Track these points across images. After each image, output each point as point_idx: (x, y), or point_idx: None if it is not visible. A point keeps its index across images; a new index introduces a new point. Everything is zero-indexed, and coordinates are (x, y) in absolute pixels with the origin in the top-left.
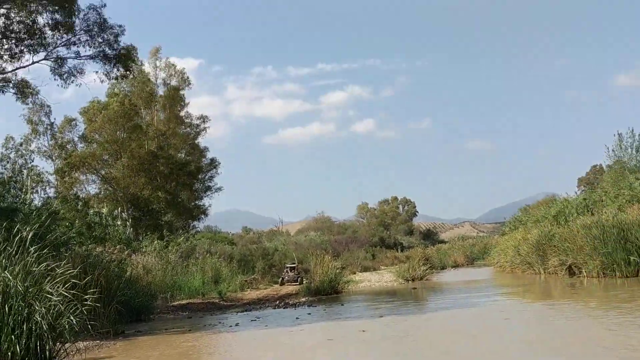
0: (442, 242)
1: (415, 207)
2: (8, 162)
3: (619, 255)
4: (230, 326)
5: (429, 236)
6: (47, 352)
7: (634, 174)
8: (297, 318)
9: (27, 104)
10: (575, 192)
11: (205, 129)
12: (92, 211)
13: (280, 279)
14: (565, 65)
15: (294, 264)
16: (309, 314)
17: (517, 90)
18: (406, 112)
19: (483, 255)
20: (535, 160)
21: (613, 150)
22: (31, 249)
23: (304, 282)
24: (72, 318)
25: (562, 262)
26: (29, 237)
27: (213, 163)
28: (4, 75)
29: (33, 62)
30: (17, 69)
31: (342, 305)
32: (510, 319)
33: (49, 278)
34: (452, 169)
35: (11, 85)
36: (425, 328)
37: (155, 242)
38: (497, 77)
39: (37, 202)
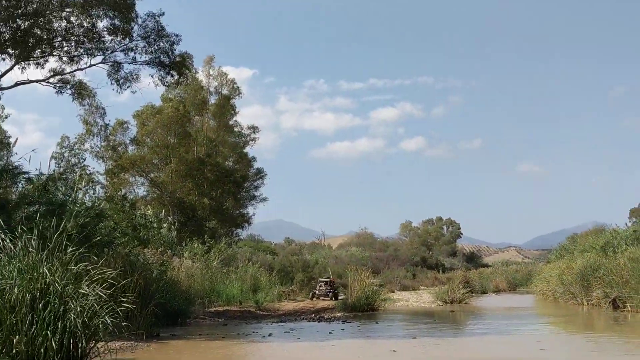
0: (486, 265)
1: (459, 228)
2: (62, 160)
3: None
4: (264, 336)
5: (472, 259)
6: (80, 350)
7: None
8: (330, 333)
9: (84, 105)
10: (626, 224)
11: (254, 139)
12: (138, 213)
13: (312, 292)
14: (624, 93)
15: (328, 278)
16: (343, 329)
17: (573, 115)
18: (457, 131)
19: (526, 282)
20: (587, 188)
21: None
22: (72, 247)
23: (340, 297)
24: (106, 318)
25: (606, 295)
26: (73, 234)
27: (260, 173)
28: (63, 77)
29: (90, 65)
30: (75, 70)
31: (377, 323)
32: (547, 350)
33: (87, 277)
34: (500, 192)
35: (69, 86)
36: (457, 353)
37: (197, 246)
38: (554, 101)
39: (86, 201)
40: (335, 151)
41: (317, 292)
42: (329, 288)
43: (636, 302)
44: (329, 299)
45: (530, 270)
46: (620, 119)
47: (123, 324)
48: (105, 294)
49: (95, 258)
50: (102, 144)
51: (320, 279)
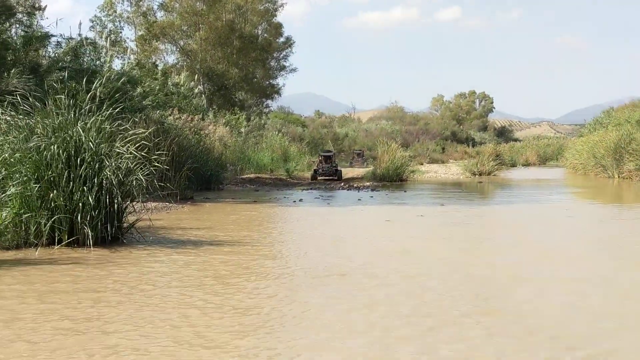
0: (517, 140)
1: (492, 102)
2: (99, 24)
3: None
4: (294, 201)
5: (504, 134)
6: (116, 206)
7: None
8: (359, 200)
9: None
10: None
11: (282, 4)
12: (169, 81)
13: (313, 170)
14: None
15: (329, 152)
16: (372, 197)
17: None
18: (495, 0)
19: (557, 156)
20: (627, 62)
21: None
22: (105, 110)
23: (370, 167)
24: (141, 176)
25: (638, 167)
26: (105, 100)
27: (288, 42)
28: None
29: None
30: None
31: (405, 192)
32: (574, 217)
33: (120, 136)
34: (537, 65)
35: None
36: (484, 218)
37: (228, 116)
38: None
39: (118, 67)
40: (367, 21)
41: (319, 170)
42: (333, 164)
43: None
44: (335, 178)
45: (562, 145)
46: None
47: (158, 185)
48: (139, 154)
49: (128, 121)
50: (132, 8)
51: (321, 153)
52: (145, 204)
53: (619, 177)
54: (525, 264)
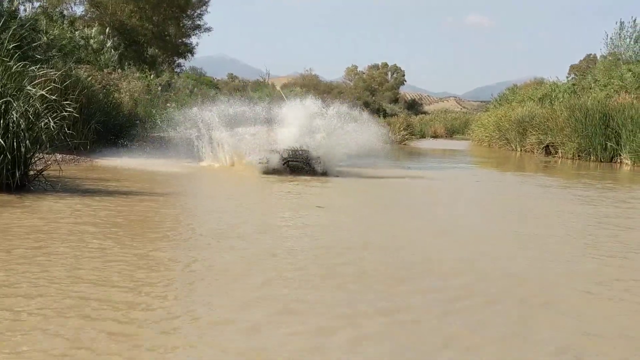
0: (425, 113)
1: (404, 75)
2: None
3: (597, 139)
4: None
5: (414, 107)
6: (24, 150)
7: (627, 65)
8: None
9: None
10: (566, 78)
11: None
12: (77, 32)
13: None
14: None
15: None
16: None
17: None
18: None
19: (463, 130)
20: (531, 43)
21: (611, 39)
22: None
23: None
24: (50, 121)
25: (540, 141)
26: (9, 48)
27: (203, 0)
28: None
29: None
30: None
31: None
32: (481, 182)
33: (27, 78)
34: (446, 42)
35: None
36: (386, 182)
37: (138, 73)
38: None
39: (22, 14)
40: None
41: None
42: None
43: (567, 149)
44: None
45: (468, 119)
46: None
47: (67, 135)
48: (49, 97)
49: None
50: None
51: None
52: (53, 154)
53: (521, 150)
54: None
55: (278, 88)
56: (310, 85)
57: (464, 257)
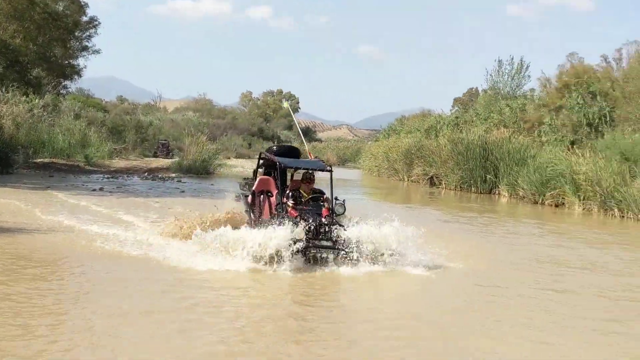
0: (320, 140)
1: (298, 103)
2: None
3: (478, 172)
4: (94, 189)
5: (307, 134)
6: None
7: (505, 100)
8: (166, 190)
9: None
10: (450, 110)
11: None
12: None
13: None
14: None
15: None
16: (177, 188)
17: (414, 3)
18: (306, 4)
19: (355, 158)
20: (419, 75)
21: (491, 75)
22: None
23: (176, 158)
24: None
25: (425, 172)
26: None
27: (92, 22)
28: None
29: None
30: None
31: (212, 185)
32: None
33: None
34: (340, 71)
35: None
36: None
37: (17, 97)
38: None
39: None
40: (177, 9)
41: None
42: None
43: (450, 181)
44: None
45: (360, 148)
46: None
47: None
48: None
49: None
50: None
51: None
52: None
53: (408, 180)
54: None
55: (170, 111)
56: (204, 110)
57: None
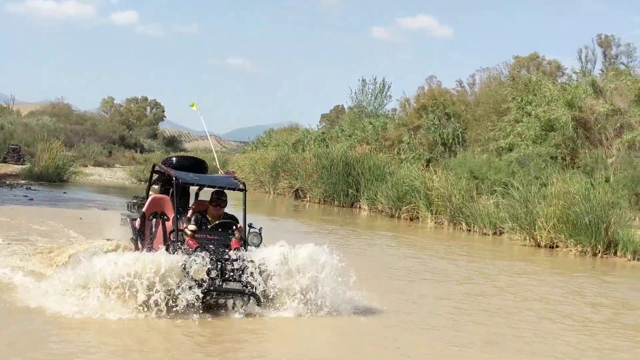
0: (186, 150)
1: (164, 111)
2: None
3: (340, 186)
4: None
5: (173, 143)
6: None
7: (369, 118)
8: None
9: None
10: (317, 126)
11: None
12: None
13: None
14: (332, 6)
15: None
16: (26, 196)
17: (286, 19)
18: (173, 12)
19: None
20: (290, 91)
21: (355, 94)
22: None
23: (27, 164)
24: None
25: (291, 185)
26: None
27: None
28: None
29: None
30: None
31: (65, 193)
32: None
33: None
34: (209, 82)
35: None
36: None
37: None
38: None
39: None
40: (36, 8)
41: None
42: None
43: (315, 194)
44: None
45: (227, 159)
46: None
47: None
48: None
49: None
50: None
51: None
52: None
53: (274, 192)
54: None
55: (24, 115)
56: (62, 115)
57: None
